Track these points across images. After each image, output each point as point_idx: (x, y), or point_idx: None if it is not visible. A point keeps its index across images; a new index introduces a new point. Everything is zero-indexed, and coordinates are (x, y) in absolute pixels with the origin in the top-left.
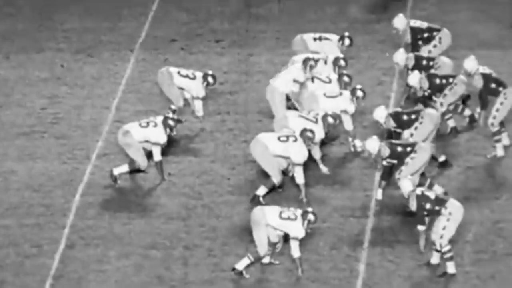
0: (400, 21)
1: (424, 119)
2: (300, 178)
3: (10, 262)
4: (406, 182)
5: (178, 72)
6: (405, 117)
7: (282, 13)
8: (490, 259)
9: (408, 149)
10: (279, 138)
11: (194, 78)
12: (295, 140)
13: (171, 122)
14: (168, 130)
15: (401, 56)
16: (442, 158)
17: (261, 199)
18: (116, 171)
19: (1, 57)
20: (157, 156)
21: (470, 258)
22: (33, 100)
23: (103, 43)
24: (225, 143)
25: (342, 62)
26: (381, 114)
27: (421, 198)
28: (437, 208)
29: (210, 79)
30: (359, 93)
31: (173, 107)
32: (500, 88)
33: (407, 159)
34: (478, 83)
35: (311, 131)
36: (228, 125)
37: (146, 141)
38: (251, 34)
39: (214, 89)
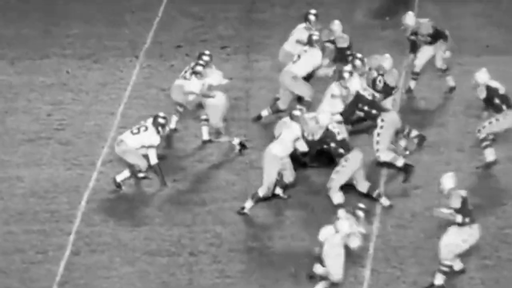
0: (410, 18)
1: (385, 122)
2: (303, 147)
3: (15, 268)
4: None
5: (184, 78)
6: (365, 107)
7: (286, 19)
8: (494, 265)
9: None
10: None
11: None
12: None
13: (161, 120)
14: (160, 129)
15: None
16: (400, 162)
17: (246, 210)
18: (119, 178)
19: (6, 63)
20: (153, 159)
21: (475, 264)
22: (38, 106)
23: (108, 49)
24: (230, 149)
25: (358, 62)
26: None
27: None
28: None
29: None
30: (358, 62)
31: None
32: (504, 107)
33: (339, 168)
34: (481, 93)
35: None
36: (233, 131)
37: (142, 147)
38: (256, 40)
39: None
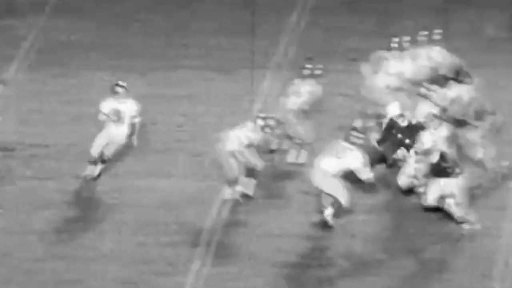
0: None
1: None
2: (367, 174)
3: (145, 279)
4: None
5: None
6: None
7: (417, 30)
8: None
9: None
10: (332, 155)
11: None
12: (347, 150)
13: (268, 121)
14: (265, 129)
15: None
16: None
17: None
18: (227, 195)
19: (137, 74)
20: (230, 146)
21: None
22: (169, 118)
23: (239, 61)
24: None
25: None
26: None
27: None
28: None
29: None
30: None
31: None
32: None
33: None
34: None
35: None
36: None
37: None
38: None
39: (352, 106)
